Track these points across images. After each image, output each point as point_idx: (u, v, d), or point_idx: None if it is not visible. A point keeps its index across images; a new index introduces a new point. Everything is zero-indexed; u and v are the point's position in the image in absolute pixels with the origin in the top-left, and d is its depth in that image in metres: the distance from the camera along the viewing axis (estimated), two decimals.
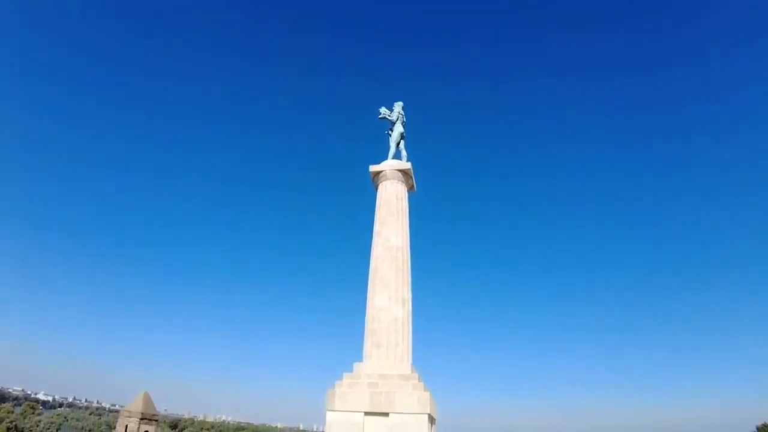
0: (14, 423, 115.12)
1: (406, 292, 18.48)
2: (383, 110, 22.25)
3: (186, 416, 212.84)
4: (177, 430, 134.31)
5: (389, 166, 20.74)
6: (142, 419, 26.40)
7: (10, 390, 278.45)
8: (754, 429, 48.69)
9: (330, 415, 16.02)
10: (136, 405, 26.83)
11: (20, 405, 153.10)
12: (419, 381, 16.64)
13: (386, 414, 15.65)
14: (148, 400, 27.23)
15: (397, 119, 22.06)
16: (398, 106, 22.39)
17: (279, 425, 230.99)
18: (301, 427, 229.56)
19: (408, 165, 20.82)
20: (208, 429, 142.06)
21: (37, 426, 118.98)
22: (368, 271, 19.20)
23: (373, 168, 20.97)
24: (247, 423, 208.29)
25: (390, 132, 22.07)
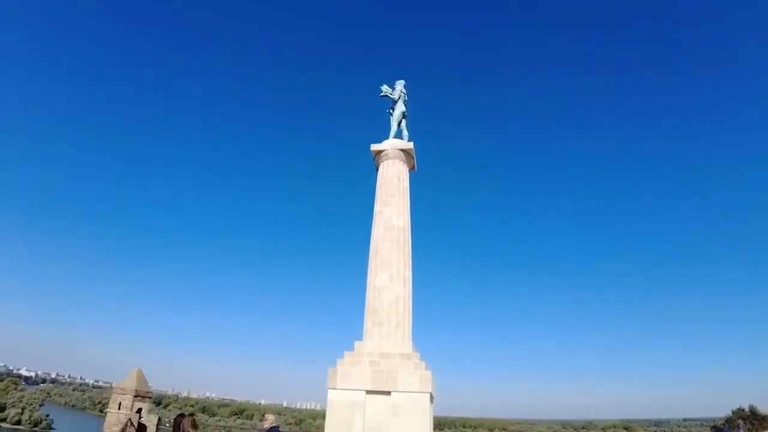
0: None
1: (407, 272, 18.51)
2: (385, 88, 21.89)
3: (170, 393, 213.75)
4: (161, 406, 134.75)
5: (391, 145, 20.51)
6: (135, 396, 26.23)
7: None
8: (730, 413, 50.78)
9: (331, 393, 16.12)
10: (130, 382, 26.62)
11: (2, 381, 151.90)
12: (420, 360, 16.79)
13: (388, 392, 15.81)
14: (141, 378, 27.06)
15: (399, 98, 21.74)
16: (400, 85, 22.03)
17: (263, 402, 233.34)
18: (285, 405, 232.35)
19: (410, 144, 20.62)
20: (192, 405, 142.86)
21: (20, 401, 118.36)
22: (368, 251, 19.14)
23: (374, 147, 20.73)
24: (231, 399, 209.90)
25: (391, 111, 21.76)
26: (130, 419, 24.87)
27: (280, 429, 11.19)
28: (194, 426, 8.13)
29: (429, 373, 16.10)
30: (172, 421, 9.85)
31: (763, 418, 48.87)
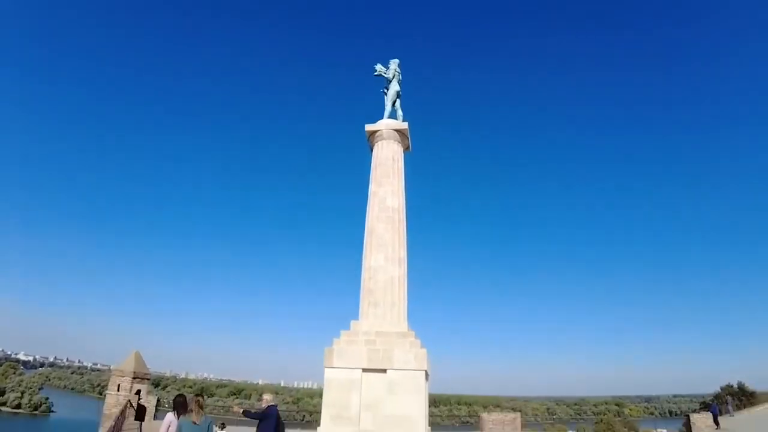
0: None
1: (402, 253, 18.62)
2: (379, 67, 21.65)
3: (168, 374, 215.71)
4: (159, 388, 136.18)
5: (385, 125, 20.41)
6: (134, 378, 26.44)
7: None
8: (719, 389, 51.90)
9: (328, 372, 16.34)
10: (128, 365, 26.81)
11: (0, 365, 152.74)
12: (416, 339, 17.01)
13: (384, 370, 16.05)
14: (139, 360, 27.25)
15: (393, 77, 21.53)
16: (394, 64, 21.79)
17: (260, 381, 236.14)
18: (282, 384, 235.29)
19: (404, 125, 20.52)
20: (190, 386, 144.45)
21: (19, 385, 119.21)
22: (364, 232, 19.20)
23: (368, 127, 20.62)
24: (229, 380, 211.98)
25: (385, 90, 21.58)
26: (129, 401, 25.13)
27: (277, 408, 11.31)
28: (200, 406, 8.21)
29: (424, 351, 16.33)
30: (171, 401, 9.91)
31: (751, 394, 50.04)
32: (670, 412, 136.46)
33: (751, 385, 52.01)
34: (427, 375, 16.80)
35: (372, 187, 19.59)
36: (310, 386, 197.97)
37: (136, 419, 24.66)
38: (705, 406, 40.91)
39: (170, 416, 9.42)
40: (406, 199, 19.88)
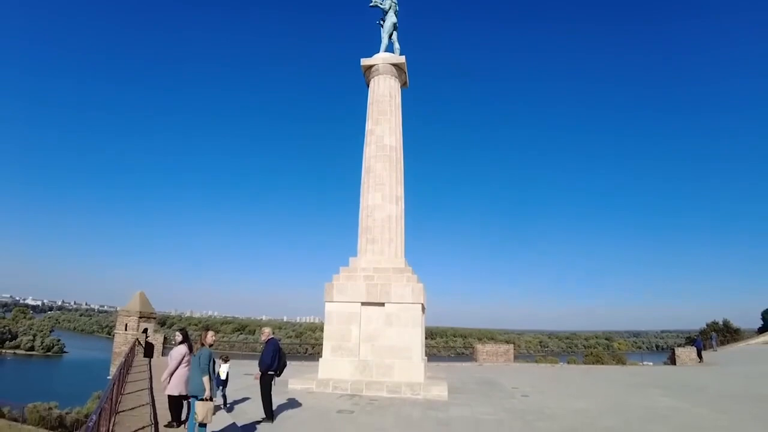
0: (7, 327, 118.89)
1: (399, 191, 18.62)
2: None
3: (173, 313, 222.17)
4: (165, 326, 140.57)
5: (382, 59, 19.72)
6: (140, 317, 27.26)
7: None
8: (705, 326, 53.64)
9: (329, 306, 16.84)
10: (134, 304, 27.57)
11: (10, 311, 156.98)
12: (413, 274, 17.39)
13: (382, 304, 16.53)
14: (144, 300, 27.98)
15: (390, 8, 20.52)
16: None
17: (264, 318, 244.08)
18: (285, 319, 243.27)
19: (402, 58, 19.82)
20: (195, 324, 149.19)
21: (30, 329, 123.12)
22: (361, 170, 19.07)
23: (364, 62, 19.94)
24: (233, 317, 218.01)
25: (382, 22, 20.65)
26: (137, 339, 26.09)
27: (277, 341, 11.72)
28: (204, 338, 8.48)
29: (421, 285, 16.74)
30: (177, 334, 10.19)
31: (735, 331, 51.98)
32: (657, 347, 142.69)
33: (735, 323, 53.97)
34: (423, 308, 17.33)
35: (368, 125, 19.25)
36: (312, 321, 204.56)
37: (144, 356, 25.71)
38: (690, 341, 42.49)
39: (183, 348, 9.68)
40: (403, 137, 19.61)
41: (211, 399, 7.90)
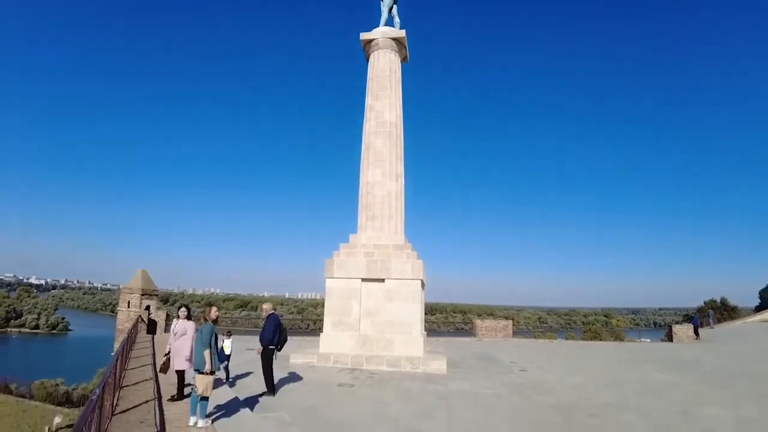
0: (12, 306, 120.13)
1: (399, 167, 18.50)
2: None
3: (176, 291, 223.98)
4: (168, 304, 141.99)
5: (382, 33, 19.35)
6: (143, 295, 27.48)
7: (2, 277, 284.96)
8: (702, 303, 54.02)
9: (329, 282, 16.93)
10: (136, 282, 27.76)
11: (14, 290, 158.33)
12: (412, 250, 17.44)
13: (382, 280, 16.62)
14: (146, 277, 28.16)
15: None
16: None
17: (266, 294, 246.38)
18: (287, 296, 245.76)
19: (402, 33, 19.43)
20: (198, 301, 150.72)
21: (35, 308, 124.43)
22: (361, 146, 18.92)
23: (364, 36, 19.56)
24: (235, 294, 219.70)
25: None
26: (140, 316, 26.34)
27: (278, 316, 11.81)
28: (207, 314, 8.56)
29: (420, 262, 16.80)
30: (182, 309, 10.27)
31: (733, 309, 52.40)
32: (655, 324, 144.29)
33: (733, 301, 54.39)
34: (423, 284, 17.43)
35: (368, 101, 19.01)
36: (313, 297, 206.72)
37: (147, 332, 26.01)
38: (687, 318, 42.84)
39: (183, 323, 9.79)
40: (404, 112, 19.39)
41: (212, 372, 7.99)
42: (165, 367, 9.61)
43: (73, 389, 39.20)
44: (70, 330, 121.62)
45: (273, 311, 11.55)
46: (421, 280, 16.77)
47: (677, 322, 37.93)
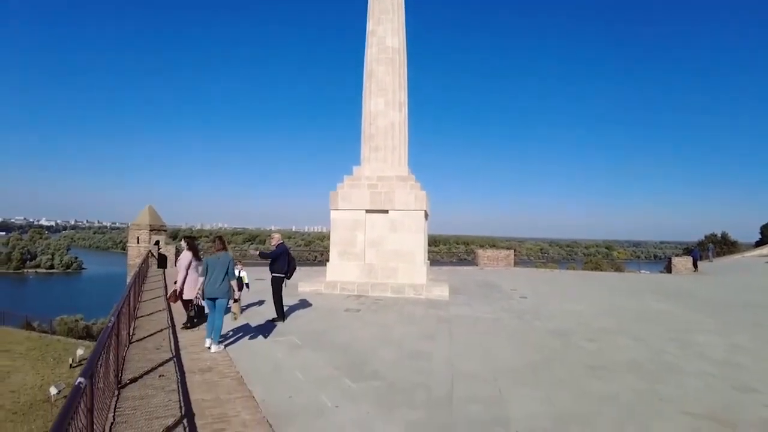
0: (26, 248, 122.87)
1: (403, 96, 17.98)
2: None
3: (184, 227, 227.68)
4: (177, 239, 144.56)
5: None
6: (151, 230, 27.90)
7: (13, 220, 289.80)
8: (703, 237, 54.35)
9: (334, 213, 17.07)
10: (143, 218, 28.09)
11: (26, 232, 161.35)
12: (416, 182, 17.38)
13: (386, 211, 16.72)
14: (153, 213, 28.47)
15: None
16: None
17: (273, 227, 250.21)
18: (294, 229, 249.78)
19: None
20: (206, 236, 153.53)
21: (48, 248, 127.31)
22: (362, 75, 18.29)
23: None
24: (243, 228, 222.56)
25: None
26: (150, 251, 26.90)
27: (287, 247, 11.96)
28: (223, 244, 8.75)
29: (424, 193, 16.79)
30: (183, 242, 10.50)
31: (733, 243, 52.94)
32: (656, 257, 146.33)
33: (734, 236, 54.80)
34: (426, 215, 17.53)
35: (369, 26, 18.11)
36: (319, 230, 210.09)
37: (158, 267, 26.68)
38: (687, 252, 43.36)
39: (188, 255, 10.00)
40: (407, 38, 18.53)
41: (237, 300, 8.75)
42: (174, 297, 9.94)
43: (93, 324, 41.03)
44: (84, 269, 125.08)
45: (282, 241, 11.71)
46: (425, 210, 16.84)
47: (677, 255, 38.45)
